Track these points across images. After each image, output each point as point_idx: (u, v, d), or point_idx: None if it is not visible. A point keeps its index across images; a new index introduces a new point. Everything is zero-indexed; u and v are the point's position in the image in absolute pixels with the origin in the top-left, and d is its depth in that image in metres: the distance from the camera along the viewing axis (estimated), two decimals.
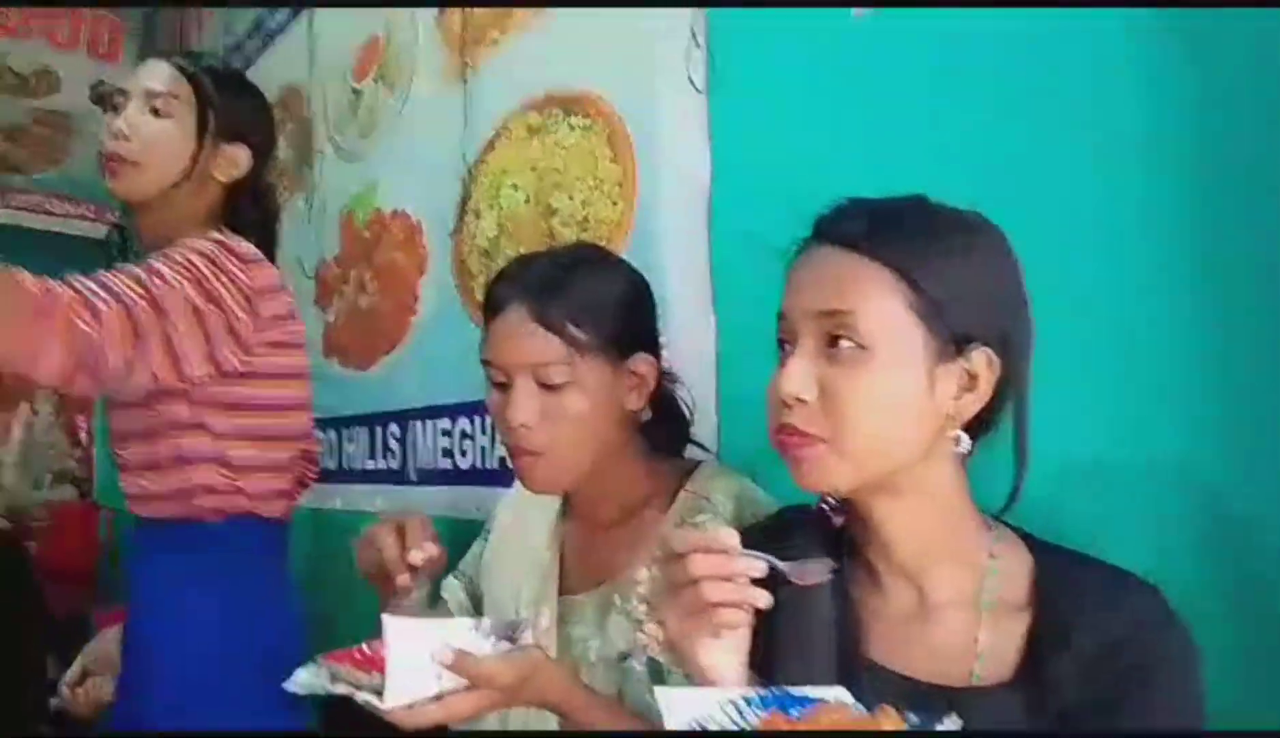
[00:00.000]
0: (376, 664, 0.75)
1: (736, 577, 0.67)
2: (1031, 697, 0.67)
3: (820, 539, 0.79)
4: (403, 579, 0.88)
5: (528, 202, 1.62)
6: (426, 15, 1.91)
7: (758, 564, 0.68)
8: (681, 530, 0.70)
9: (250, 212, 1.31)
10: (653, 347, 1.02)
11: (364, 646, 0.79)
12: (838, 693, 0.66)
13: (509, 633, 0.81)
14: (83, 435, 3.82)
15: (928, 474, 0.71)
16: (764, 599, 0.68)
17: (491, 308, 0.99)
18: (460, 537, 1.28)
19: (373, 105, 2.10)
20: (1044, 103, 0.94)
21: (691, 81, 1.29)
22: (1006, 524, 0.76)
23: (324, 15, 2.32)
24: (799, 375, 0.69)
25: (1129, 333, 0.87)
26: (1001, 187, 0.87)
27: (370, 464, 2.04)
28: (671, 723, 0.62)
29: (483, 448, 1.69)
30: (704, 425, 1.18)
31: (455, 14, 1.82)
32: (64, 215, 3.66)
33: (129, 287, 1.06)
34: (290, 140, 2.45)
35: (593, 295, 0.95)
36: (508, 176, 1.66)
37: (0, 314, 0.96)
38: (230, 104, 1.26)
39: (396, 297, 1.98)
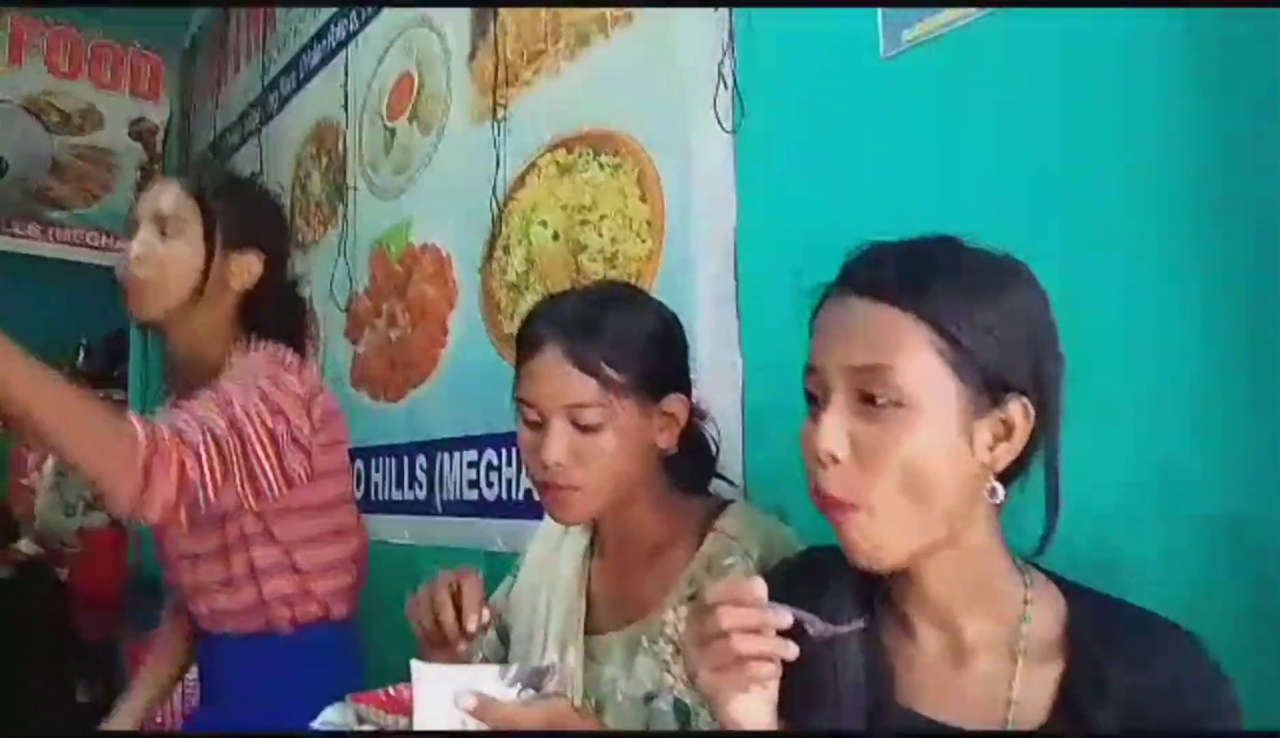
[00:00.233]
0: (402, 707, 0.77)
1: (765, 629, 0.66)
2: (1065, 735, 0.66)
3: (851, 582, 0.77)
4: (460, 650, 0.89)
5: (556, 238, 1.64)
6: (459, 57, 1.96)
7: (784, 618, 0.67)
8: (714, 583, 0.68)
9: (275, 314, 1.33)
10: (684, 385, 1.03)
11: (390, 688, 0.80)
12: None
13: (535, 680, 0.81)
14: None
15: (964, 525, 0.70)
16: (792, 652, 0.66)
17: (526, 346, 0.99)
18: (487, 570, 1.29)
19: (406, 143, 2.15)
20: (1070, 142, 0.95)
21: (719, 121, 1.32)
22: (1038, 568, 0.75)
23: (359, 55, 2.38)
24: (833, 433, 0.67)
25: (1155, 366, 0.88)
26: (1027, 225, 0.88)
27: (397, 495, 2.06)
28: None
29: (509, 480, 1.70)
30: (730, 463, 1.17)
31: (488, 56, 1.86)
32: (102, 248, 3.74)
33: (215, 418, 1.09)
34: (325, 176, 2.51)
35: (628, 337, 0.96)
36: (537, 213, 1.69)
37: (112, 458, 0.99)
38: (238, 213, 1.29)
39: (426, 329, 2.01)
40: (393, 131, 2.20)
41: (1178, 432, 0.87)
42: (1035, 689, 0.69)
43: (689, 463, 1.06)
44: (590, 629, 1.04)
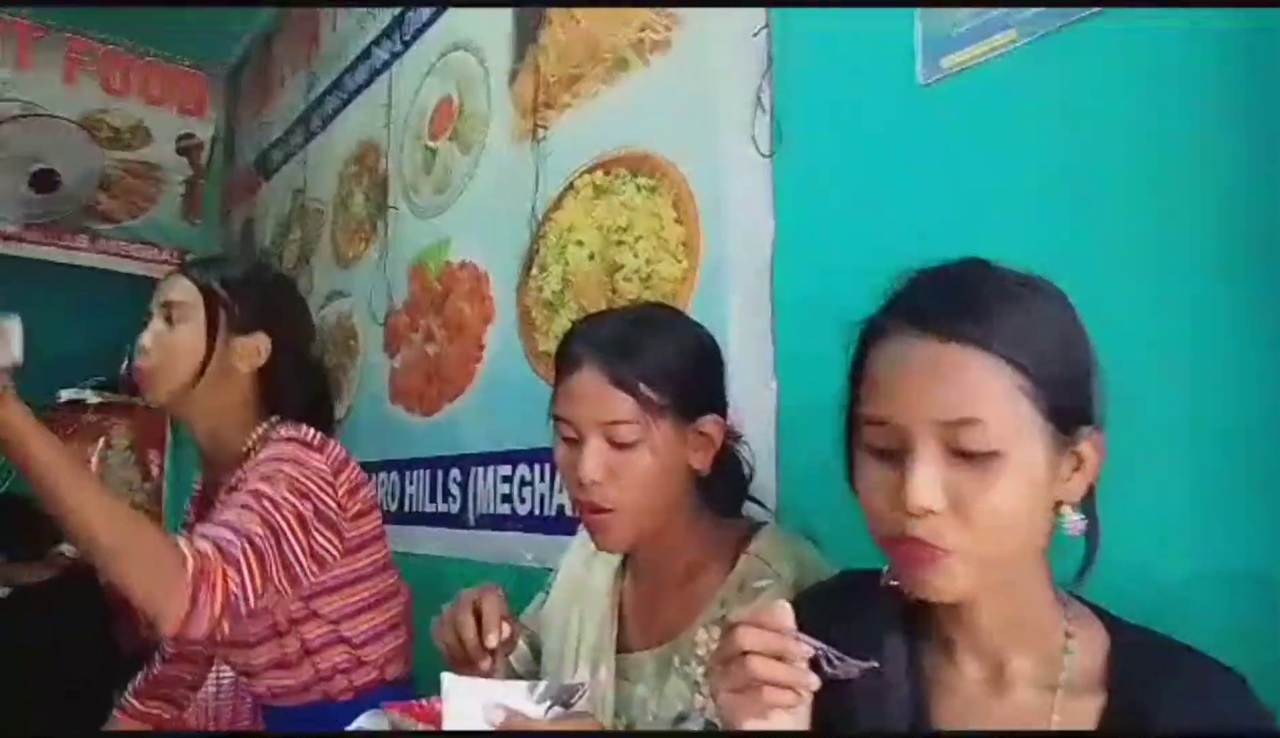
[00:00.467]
0: (433, 718, 0.78)
1: (790, 657, 0.65)
2: None
3: (887, 608, 0.77)
4: (484, 665, 0.90)
5: (592, 258, 1.67)
6: (499, 79, 2.00)
7: (804, 649, 0.66)
8: (745, 605, 0.68)
9: (294, 393, 1.36)
10: (720, 407, 1.04)
11: (424, 700, 0.82)
12: None
13: (564, 697, 0.82)
14: (154, 470, 3.95)
15: (1027, 558, 0.70)
16: (812, 683, 0.66)
17: (565, 365, 1.01)
18: (520, 585, 1.31)
19: (446, 163, 2.19)
20: (1106, 169, 0.96)
21: (756, 145, 1.33)
22: (1081, 600, 0.74)
23: (402, 77, 2.43)
24: (928, 487, 0.64)
25: (1191, 391, 0.87)
26: (1062, 252, 0.88)
27: (431, 507, 2.09)
28: None
29: (542, 495, 1.72)
30: (763, 487, 1.18)
31: (527, 79, 1.90)
32: (147, 260, 3.83)
33: (250, 523, 1.12)
34: (366, 194, 2.56)
35: (665, 357, 0.97)
36: (574, 233, 1.72)
37: (159, 583, 1.01)
38: (243, 297, 1.32)
39: (462, 345, 2.04)
40: (433, 152, 2.24)
41: (1211, 458, 0.86)
42: (1075, 722, 0.68)
43: (722, 485, 1.07)
44: (622, 647, 1.06)
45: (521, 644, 1.17)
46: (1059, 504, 0.68)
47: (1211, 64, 0.88)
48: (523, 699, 0.80)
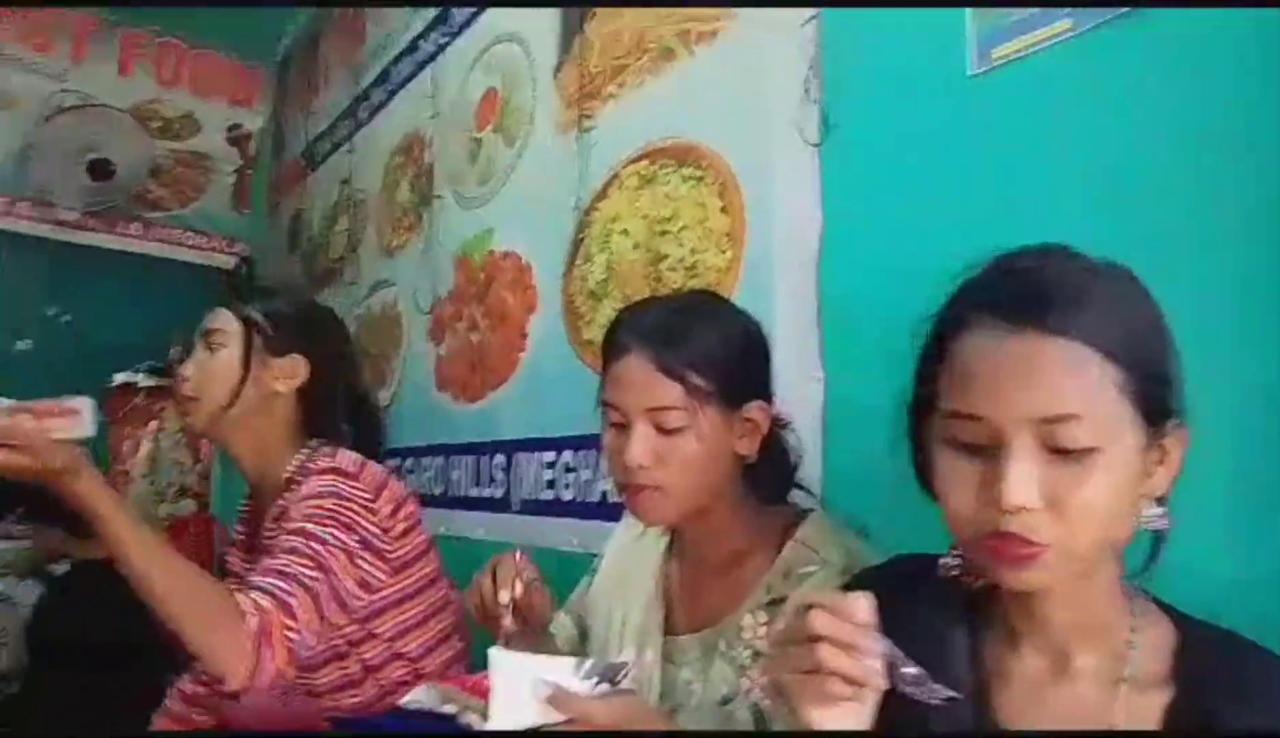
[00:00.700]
0: (483, 693, 0.80)
1: (862, 652, 0.64)
2: None
3: (946, 596, 0.76)
4: (506, 624, 0.93)
5: (636, 248, 1.68)
6: (545, 71, 2.01)
7: (876, 647, 0.64)
8: (817, 589, 0.68)
9: (333, 415, 1.41)
10: (766, 394, 1.05)
11: (474, 675, 0.84)
12: None
13: (610, 675, 0.83)
14: (203, 453, 4.04)
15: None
16: (880, 682, 0.65)
17: (612, 351, 1.02)
18: (562, 570, 1.33)
19: (491, 154, 2.21)
20: (1157, 159, 0.95)
21: (804, 135, 1.34)
22: (1147, 595, 0.74)
23: (447, 69, 2.46)
24: (1025, 484, 0.63)
25: (1251, 381, 0.86)
26: (1113, 242, 0.88)
27: (475, 492, 2.12)
28: None
29: (585, 481, 1.74)
30: (808, 482, 1.17)
31: (573, 70, 1.91)
32: (198, 247, 3.92)
33: (301, 567, 1.17)
34: (411, 185, 2.59)
35: (712, 344, 0.99)
36: (618, 223, 1.73)
37: (223, 642, 1.06)
38: (280, 322, 1.37)
39: (505, 334, 2.06)
40: (478, 143, 2.27)
41: (1256, 454, 0.85)
42: (1139, 717, 0.68)
43: (769, 472, 1.08)
44: (667, 631, 1.07)
45: (571, 629, 1.19)
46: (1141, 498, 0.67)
47: (1264, 57, 0.87)
48: (569, 676, 0.82)
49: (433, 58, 2.53)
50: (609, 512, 1.58)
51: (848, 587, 0.82)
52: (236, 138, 3.97)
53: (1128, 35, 0.98)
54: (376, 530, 1.28)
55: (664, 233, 1.61)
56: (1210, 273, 0.89)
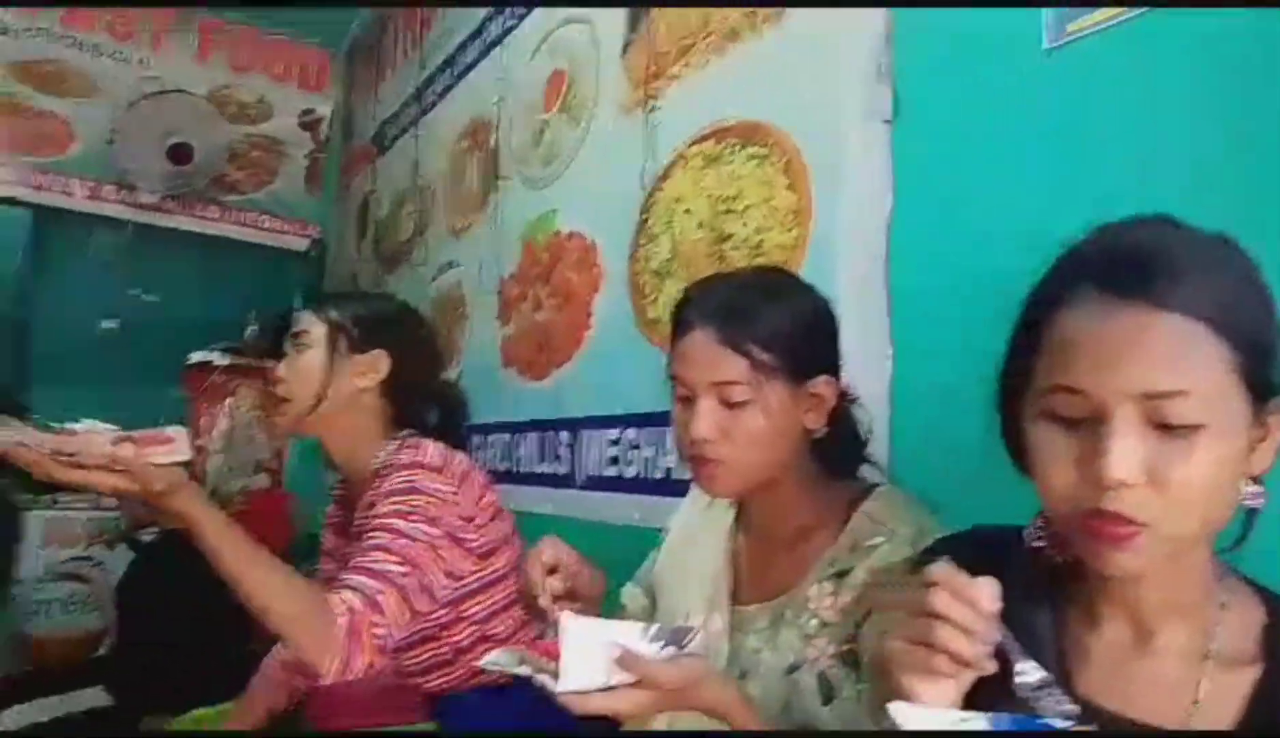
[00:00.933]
0: (555, 656, 0.83)
1: (979, 637, 0.63)
2: None
3: (1028, 570, 0.75)
4: (555, 615, 0.95)
5: (700, 227, 1.69)
6: (610, 52, 2.03)
7: (994, 636, 0.64)
8: (948, 565, 0.66)
9: (417, 406, 1.48)
10: (833, 368, 1.05)
11: (550, 638, 0.87)
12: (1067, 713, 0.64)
13: (677, 639, 0.86)
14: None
15: None
16: (989, 668, 0.64)
17: (679, 327, 1.04)
18: (625, 543, 1.36)
19: (556, 136, 2.24)
20: (1243, 127, 0.93)
21: (876, 113, 1.33)
22: (1237, 573, 0.73)
23: (513, 51, 2.49)
24: (1128, 459, 0.62)
25: None
26: (1194, 217, 0.86)
27: (541, 468, 2.17)
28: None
29: (647, 458, 1.76)
30: (877, 453, 1.17)
31: (639, 50, 1.92)
32: (273, 230, 4.04)
33: (388, 564, 1.24)
34: (477, 167, 2.64)
35: (777, 320, 1.00)
36: (683, 203, 1.74)
37: (314, 637, 1.13)
38: (360, 320, 1.44)
39: (571, 313, 2.09)
40: (544, 124, 2.30)
41: None
42: (1224, 694, 0.67)
43: (837, 446, 1.09)
44: (734, 601, 1.09)
45: (642, 599, 1.22)
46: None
47: None
48: (637, 639, 0.84)
49: (499, 41, 2.56)
50: (672, 488, 1.61)
51: (928, 552, 0.83)
52: (308, 122, 4.07)
53: (1206, 6, 0.96)
54: (460, 522, 1.35)
55: (729, 212, 1.62)
56: None
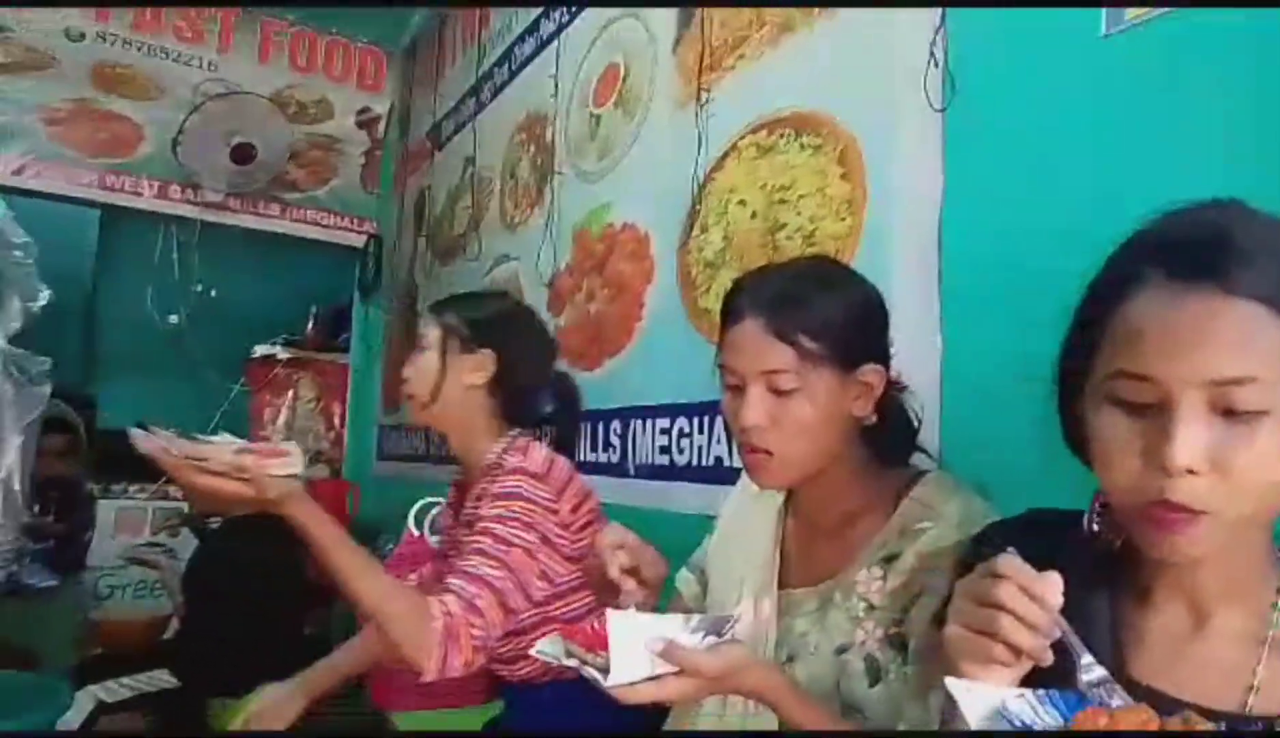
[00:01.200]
0: (602, 643, 0.86)
1: (1042, 631, 0.64)
2: None
3: (1084, 555, 0.75)
4: (629, 589, 0.99)
5: (754, 217, 1.70)
6: (664, 45, 2.05)
7: (1055, 632, 0.65)
8: (1015, 558, 0.66)
9: (526, 404, 1.57)
10: (882, 357, 1.06)
11: (595, 623, 0.90)
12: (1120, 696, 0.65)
13: (717, 629, 0.88)
14: (336, 420, 4.29)
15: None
16: (1046, 660, 0.65)
17: (730, 316, 1.05)
18: (675, 531, 1.37)
19: (610, 130, 2.26)
20: None
21: (929, 100, 1.33)
22: None
23: (569, 47, 2.52)
24: (1192, 446, 0.62)
25: None
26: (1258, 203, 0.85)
27: (593, 457, 2.19)
28: (968, 715, 0.63)
29: (699, 446, 1.78)
30: (927, 443, 1.17)
31: (692, 44, 1.94)
32: (331, 227, 4.14)
33: (486, 568, 1.31)
34: (533, 161, 2.68)
35: (826, 310, 1.00)
36: (736, 194, 1.75)
37: (416, 639, 1.21)
38: (470, 322, 1.52)
39: (623, 304, 2.12)
40: (598, 119, 2.33)
41: None
42: (1278, 678, 0.67)
43: (887, 434, 1.09)
44: (783, 585, 1.10)
45: (694, 585, 1.24)
46: None
47: None
48: (679, 631, 0.87)
49: (554, 36, 2.59)
50: (723, 475, 1.62)
51: (981, 538, 0.83)
52: (365, 121, 4.16)
53: None
54: (557, 528, 1.42)
55: (782, 201, 1.62)
56: None
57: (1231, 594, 0.71)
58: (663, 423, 1.90)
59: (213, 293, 4.06)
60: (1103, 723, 0.57)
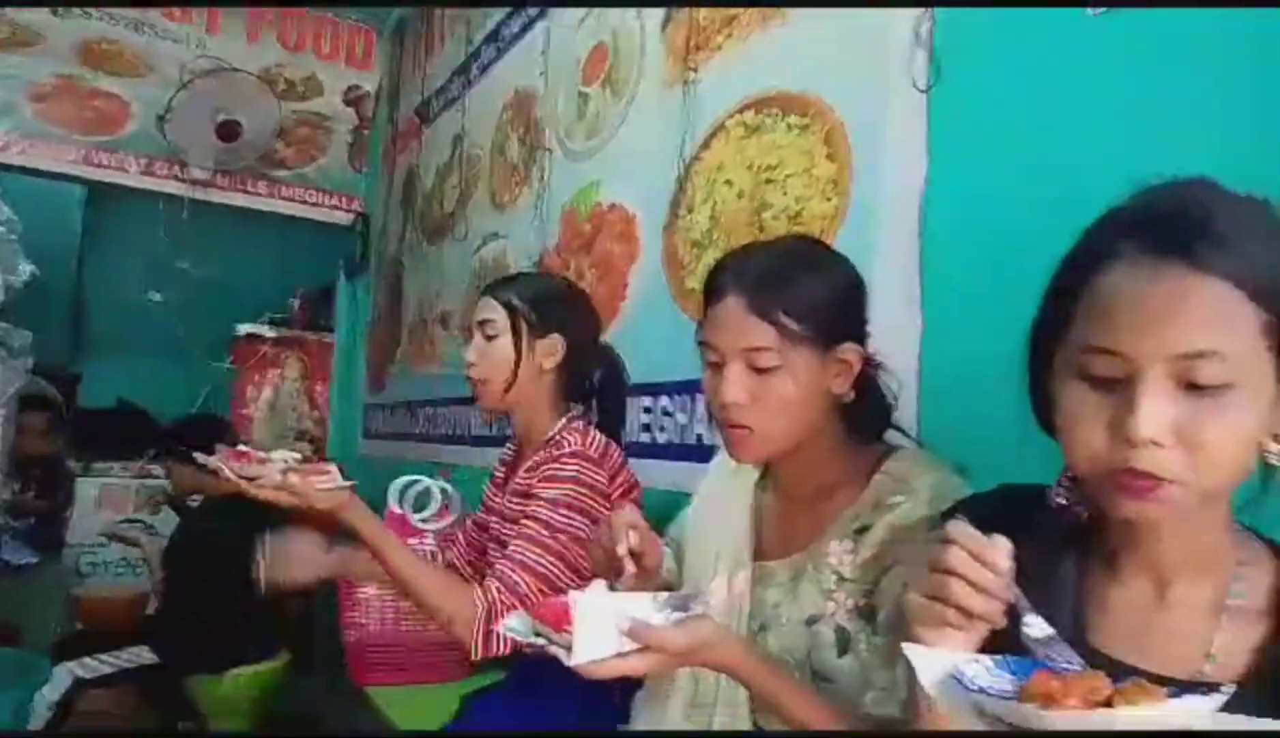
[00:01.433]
0: (564, 613, 0.86)
1: (993, 594, 0.65)
2: (1262, 697, 0.65)
3: (1053, 527, 0.76)
4: (628, 571, 0.99)
5: (740, 197, 1.70)
6: (653, 25, 2.04)
7: (1006, 594, 0.66)
8: (964, 524, 0.68)
9: (586, 383, 1.63)
10: (860, 336, 1.06)
11: (562, 600, 0.90)
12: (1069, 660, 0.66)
13: (684, 605, 0.89)
14: (320, 400, 4.27)
15: None
16: (1000, 623, 0.66)
17: (711, 294, 1.06)
18: (658, 507, 1.38)
19: (599, 109, 2.25)
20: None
21: (914, 80, 1.33)
22: (1253, 530, 0.74)
23: (557, 25, 2.51)
24: (1156, 418, 0.63)
25: None
26: (1241, 184, 0.86)
27: None
28: (922, 679, 0.64)
29: (681, 425, 1.78)
30: (905, 425, 1.17)
31: (680, 24, 1.93)
32: (318, 205, 4.11)
33: (536, 556, 1.38)
34: (522, 140, 2.66)
35: (806, 289, 1.01)
36: (722, 173, 1.75)
37: (459, 621, 1.32)
38: (538, 307, 1.56)
39: (609, 283, 2.11)
40: (586, 98, 2.32)
41: None
42: (1234, 647, 0.69)
43: (864, 411, 1.10)
44: (757, 557, 1.11)
45: (670, 560, 1.24)
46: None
47: None
48: (646, 609, 0.88)
49: (543, 14, 2.58)
50: (703, 454, 1.62)
51: (952, 511, 0.84)
52: (353, 99, 4.14)
53: None
54: (606, 510, 1.44)
55: (769, 181, 1.62)
56: None
57: (1193, 566, 0.72)
58: (645, 402, 1.90)
59: (199, 271, 4.03)
60: (1054, 687, 0.57)
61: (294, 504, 1.29)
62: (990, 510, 0.80)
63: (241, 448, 1.37)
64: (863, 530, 1.00)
